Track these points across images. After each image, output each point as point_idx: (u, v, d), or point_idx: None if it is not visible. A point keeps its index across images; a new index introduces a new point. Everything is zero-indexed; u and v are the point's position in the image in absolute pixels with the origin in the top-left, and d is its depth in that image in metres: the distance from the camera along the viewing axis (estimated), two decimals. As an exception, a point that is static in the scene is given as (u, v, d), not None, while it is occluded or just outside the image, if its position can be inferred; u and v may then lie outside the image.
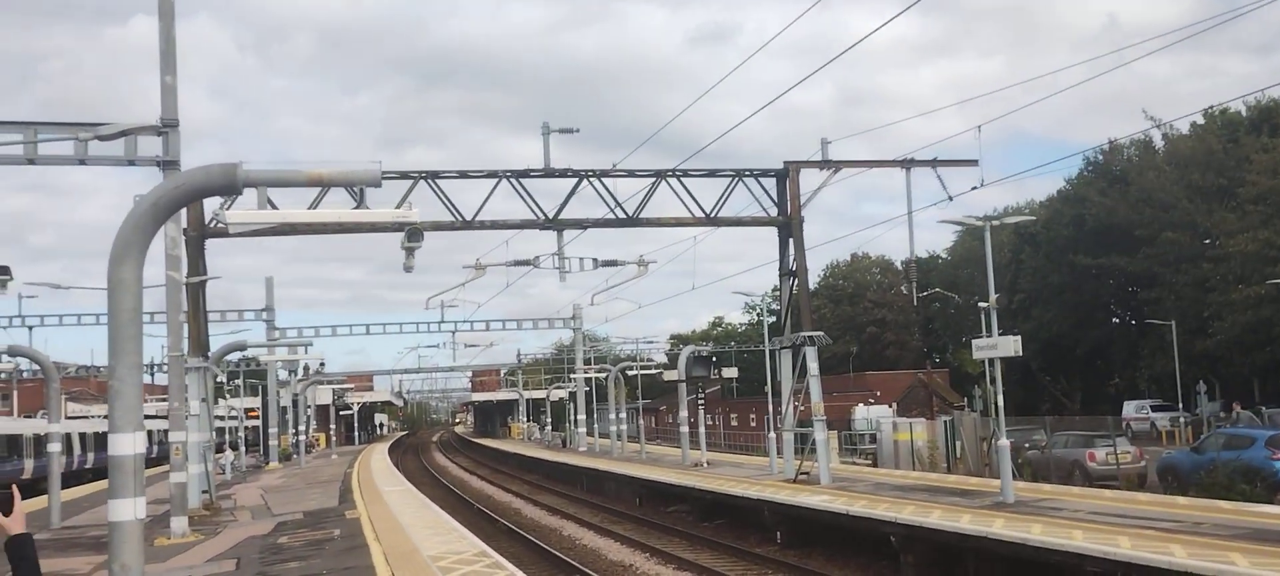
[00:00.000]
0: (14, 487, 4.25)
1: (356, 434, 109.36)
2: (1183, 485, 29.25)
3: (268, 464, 57.23)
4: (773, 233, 32.77)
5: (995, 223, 26.79)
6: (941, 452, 40.24)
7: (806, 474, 30.63)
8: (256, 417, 73.52)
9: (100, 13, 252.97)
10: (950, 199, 31.94)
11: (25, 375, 62.04)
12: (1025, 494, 24.43)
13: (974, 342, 26.37)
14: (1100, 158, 70.83)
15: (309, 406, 68.04)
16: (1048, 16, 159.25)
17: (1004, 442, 23.91)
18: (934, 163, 31.84)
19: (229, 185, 10.10)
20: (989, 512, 21.24)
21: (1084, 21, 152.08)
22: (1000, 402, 24.75)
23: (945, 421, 41.69)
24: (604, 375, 64.64)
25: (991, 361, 26.00)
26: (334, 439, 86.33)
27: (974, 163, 32.72)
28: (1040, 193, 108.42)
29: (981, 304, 32.37)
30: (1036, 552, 17.21)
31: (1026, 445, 36.94)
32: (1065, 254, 68.05)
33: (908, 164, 31.74)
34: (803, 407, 31.97)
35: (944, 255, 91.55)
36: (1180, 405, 57.81)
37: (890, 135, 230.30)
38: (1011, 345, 23.90)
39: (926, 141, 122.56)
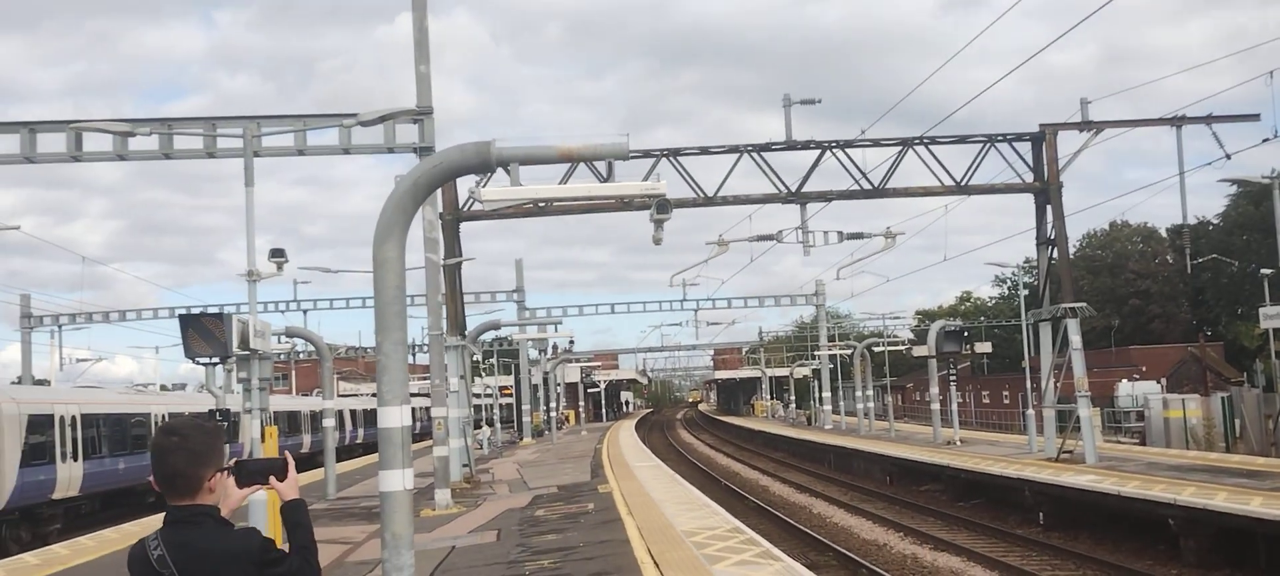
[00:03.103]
0: (287, 454, 4.30)
1: (604, 411, 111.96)
2: None
3: (521, 439, 59.23)
4: (1026, 202, 31.24)
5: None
6: (1219, 431, 37.50)
7: (1070, 452, 29.05)
8: (510, 395, 76.29)
9: (370, 12, 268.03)
10: (1228, 158, 29.53)
11: (301, 356, 66.57)
12: (1323, 476, 22.31)
13: (1262, 311, 24.26)
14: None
15: (558, 384, 69.96)
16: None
17: (1298, 420, 21.87)
18: (1209, 119, 29.44)
19: (483, 163, 10.23)
20: (1283, 496, 19.45)
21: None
22: (1292, 376, 22.68)
23: (1222, 398, 38.82)
24: (848, 352, 63.61)
25: (1280, 332, 23.89)
26: (582, 416, 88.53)
27: (1256, 117, 30.21)
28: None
29: (1265, 271, 29.83)
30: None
31: (1319, 423, 33.83)
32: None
33: (1179, 121, 29.53)
34: (1063, 383, 30.34)
35: (1215, 221, 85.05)
36: None
37: (1155, 93, 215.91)
38: (1306, 313, 21.82)
39: (1195, 98, 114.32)
